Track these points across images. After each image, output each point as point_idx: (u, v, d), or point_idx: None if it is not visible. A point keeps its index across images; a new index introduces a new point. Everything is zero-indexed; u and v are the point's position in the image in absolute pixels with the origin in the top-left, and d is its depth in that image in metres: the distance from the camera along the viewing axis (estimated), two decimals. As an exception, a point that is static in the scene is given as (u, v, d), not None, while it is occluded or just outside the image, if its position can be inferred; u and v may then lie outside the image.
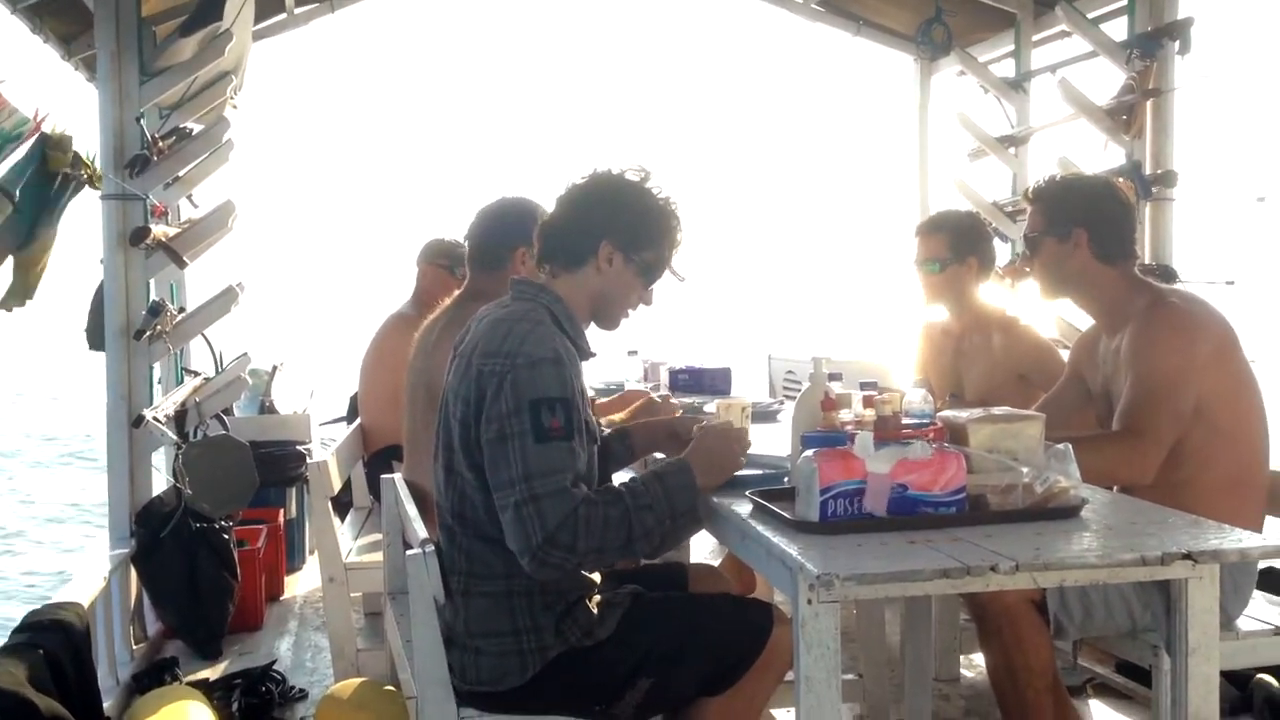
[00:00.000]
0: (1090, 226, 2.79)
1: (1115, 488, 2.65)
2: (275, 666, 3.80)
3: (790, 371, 5.10)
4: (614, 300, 2.39)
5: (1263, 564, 2.97)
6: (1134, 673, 3.06)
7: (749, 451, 2.41)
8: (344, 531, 4.03)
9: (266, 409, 5.75)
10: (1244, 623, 2.65)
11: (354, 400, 5.07)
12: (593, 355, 2.41)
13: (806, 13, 5.84)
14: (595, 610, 2.27)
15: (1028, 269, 2.98)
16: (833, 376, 2.62)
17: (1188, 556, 1.85)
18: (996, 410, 2.39)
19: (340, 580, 3.42)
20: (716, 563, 3.65)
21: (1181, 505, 2.32)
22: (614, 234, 2.33)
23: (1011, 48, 5.44)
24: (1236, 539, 1.92)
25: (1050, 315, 4.61)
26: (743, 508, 2.21)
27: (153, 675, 3.62)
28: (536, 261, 2.41)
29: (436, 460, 2.32)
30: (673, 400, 3.73)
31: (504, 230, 3.14)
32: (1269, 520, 2.76)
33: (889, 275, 6.45)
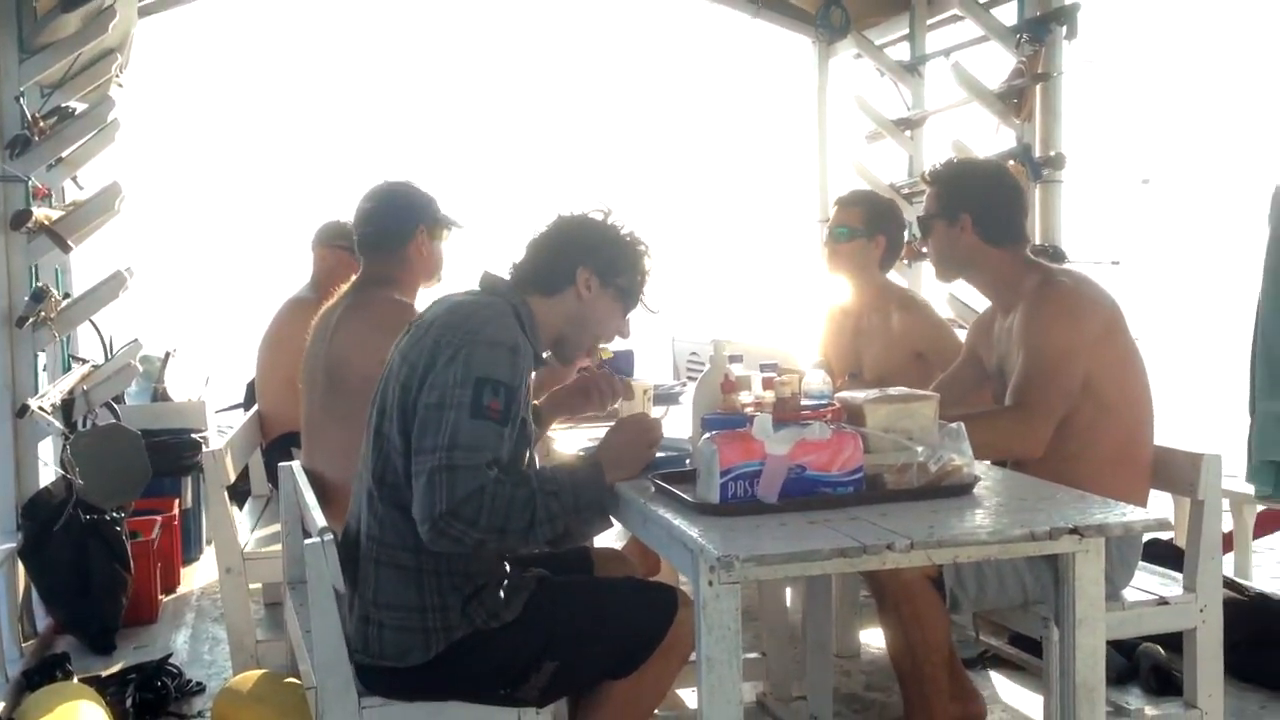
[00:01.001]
0: (975, 211, 2.85)
1: (1009, 462, 2.72)
2: (171, 660, 3.72)
3: (693, 353, 5.12)
4: (590, 325, 2.42)
5: (1147, 536, 3.08)
6: (1027, 644, 3.14)
7: None
8: (242, 521, 3.95)
9: (159, 396, 5.60)
10: (1130, 593, 2.74)
11: (251, 386, 4.96)
12: (544, 363, 2.45)
13: (707, -7, 5.83)
14: (501, 594, 2.26)
15: (924, 249, 3.04)
16: (733, 359, 2.64)
17: (1074, 531, 1.91)
18: (893, 390, 2.43)
19: (238, 571, 3.35)
20: (621, 546, 3.67)
21: (1071, 478, 2.40)
22: (590, 260, 2.37)
23: (907, 31, 5.51)
24: (1121, 513, 1.99)
25: (944, 295, 4.71)
26: (645, 491, 2.22)
27: (43, 672, 3.50)
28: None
29: (368, 425, 2.32)
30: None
31: (401, 211, 3.10)
32: (1153, 493, 2.86)
33: (791, 258, 6.52)
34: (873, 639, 3.72)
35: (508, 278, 2.42)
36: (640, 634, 2.26)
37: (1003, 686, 3.43)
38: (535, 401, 2.75)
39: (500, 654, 2.22)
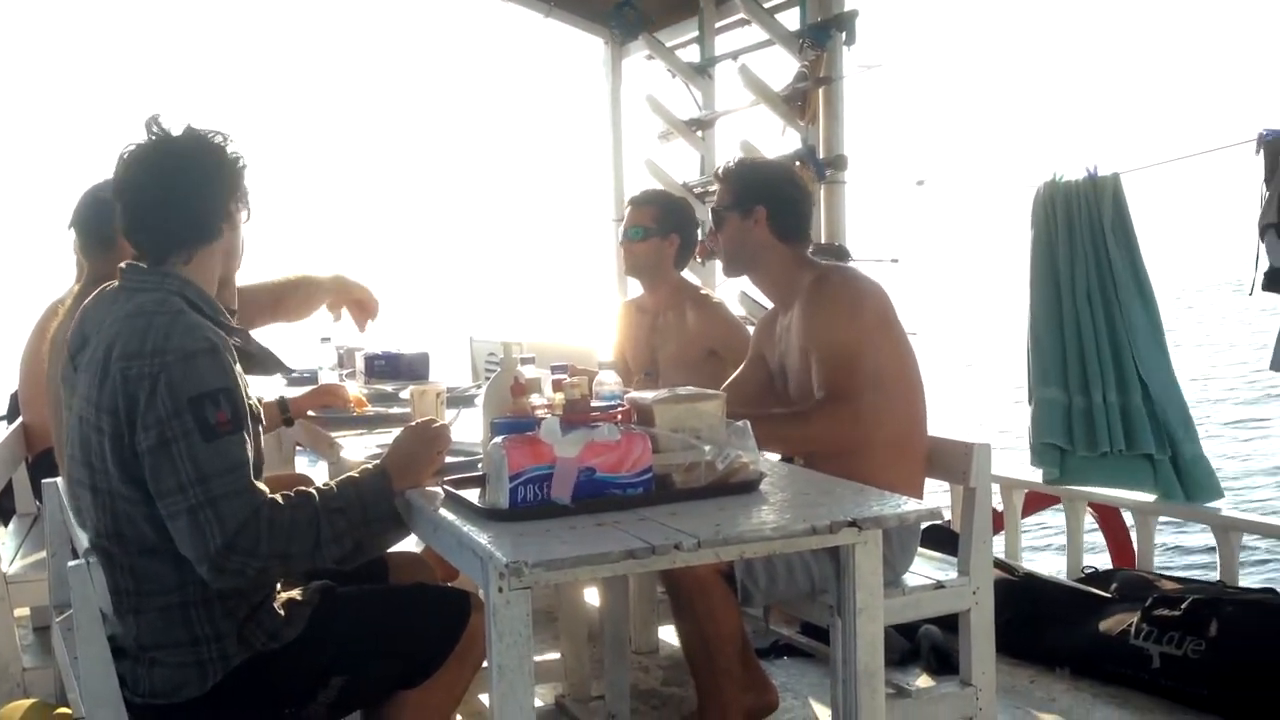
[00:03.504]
0: (770, 205, 2.95)
1: (799, 460, 2.80)
2: (-73, 694, 3.45)
3: (492, 354, 5.06)
4: (236, 254, 2.27)
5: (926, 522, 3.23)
6: (817, 633, 3.24)
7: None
8: (5, 541, 3.70)
9: (-89, 409, 5.18)
10: (909, 578, 2.86)
11: (15, 398, 4.65)
12: (239, 331, 2.24)
13: (498, -8, 5.79)
14: (282, 611, 2.17)
15: (713, 246, 3.11)
16: (525, 361, 2.62)
17: (853, 524, 1.97)
18: (681, 390, 2.46)
19: (0, 595, 3.14)
20: (421, 549, 3.61)
21: (853, 470, 2.49)
22: (232, 193, 2.20)
23: (696, 33, 5.61)
24: (896, 505, 2.06)
25: (736, 294, 4.81)
26: (434, 497, 2.18)
27: None
28: (150, 259, 2.16)
29: (77, 484, 2.12)
30: (363, 389, 3.65)
31: (107, 205, 2.95)
32: (929, 480, 2.99)
33: (588, 256, 6.56)
34: (671, 634, 3.77)
35: (150, 255, 2.14)
36: (432, 641, 2.22)
37: (795, 674, 3.52)
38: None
39: (283, 675, 2.13)
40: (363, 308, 3.45)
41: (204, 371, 1.99)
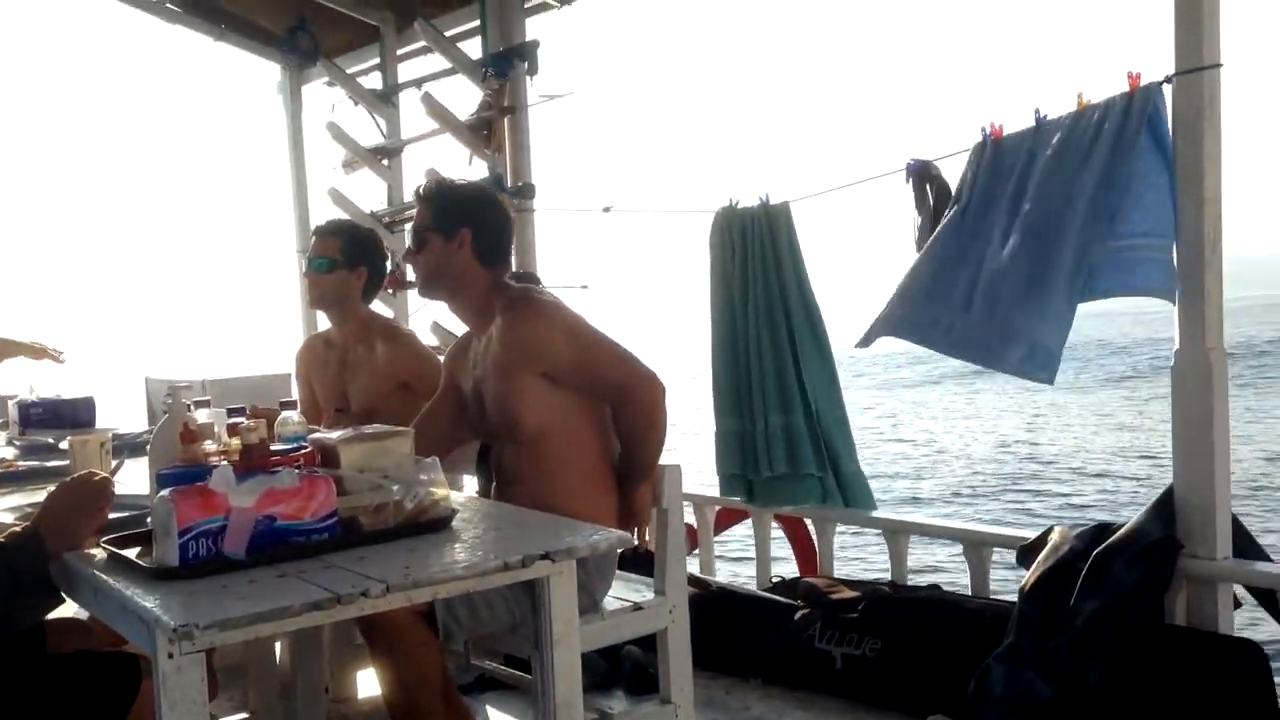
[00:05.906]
0: (475, 228, 2.89)
1: (492, 489, 2.77)
2: None
3: (168, 395, 4.75)
4: None
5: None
6: (522, 664, 3.21)
7: None
8: None
9: None
10: (609, 602, 2.88)
11: None
12: None
13: (163, 13, 5.46)
14: (-87, 700, 1.93)
15: (411, 265, 3.02)
16: (199, 404, 2.46)
17: (546, 556, 1.96)
18: (366, 429, 2.38)
19: None
20: (86, 615, 3.32)
21: (550, 499, 2.50)
22: None
23: (379, 60, 5.51)
24: (587, 534, 2.07)
25: (428, 324, 4.75)
26: (93, 559, 2.00)
27: None
28: None
29: None
30: (17, 442, 3.34)
31: None
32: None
33: (273, 289, 6.30)
34: (372, 677, 3.64)
35: None
36: (96, 716, 2.03)
37: (499, 708, 3.48)
38: None
39: None
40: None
41: None
